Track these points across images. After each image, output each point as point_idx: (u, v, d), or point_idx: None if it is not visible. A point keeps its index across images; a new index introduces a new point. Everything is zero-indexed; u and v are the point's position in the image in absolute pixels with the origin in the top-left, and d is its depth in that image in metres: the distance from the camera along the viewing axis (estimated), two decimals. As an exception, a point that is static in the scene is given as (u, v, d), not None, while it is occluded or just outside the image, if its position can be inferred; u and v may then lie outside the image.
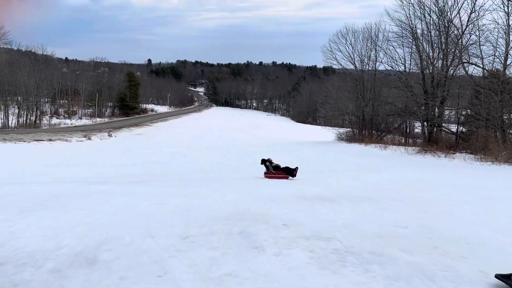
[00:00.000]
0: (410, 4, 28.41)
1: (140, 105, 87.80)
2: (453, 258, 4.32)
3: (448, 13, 26.79)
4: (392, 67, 31.89)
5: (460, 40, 26.08)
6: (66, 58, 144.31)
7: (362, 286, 3.55)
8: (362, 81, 35.28)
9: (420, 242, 4.84)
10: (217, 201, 7.04)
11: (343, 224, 5.54)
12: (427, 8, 27.68)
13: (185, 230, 4.90)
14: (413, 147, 25.34)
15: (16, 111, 51.26)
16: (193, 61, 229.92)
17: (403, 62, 30.87)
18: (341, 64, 37.04)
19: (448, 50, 26.94)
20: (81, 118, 63.27)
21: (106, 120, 65.14)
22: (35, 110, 52.86)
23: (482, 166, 16.88)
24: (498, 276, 3.62)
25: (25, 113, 51.54)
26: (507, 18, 22.62)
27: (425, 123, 28.33)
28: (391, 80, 33.76)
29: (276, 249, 4.33)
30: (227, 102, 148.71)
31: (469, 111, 26.35)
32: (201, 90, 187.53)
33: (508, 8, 22.56)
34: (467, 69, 26.00)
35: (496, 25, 23.19)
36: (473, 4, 25.02)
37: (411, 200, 8.02)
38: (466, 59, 25.59)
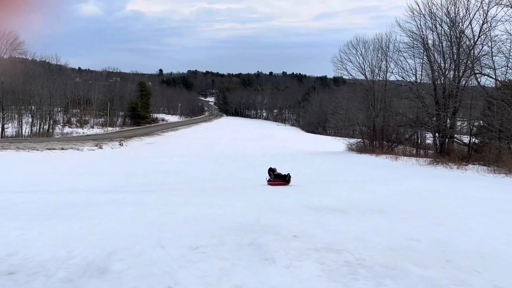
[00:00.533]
0: (421, 15, 28.34)
1: (151, 114, 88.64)
2: (467, 272, 4.24)
3: (460, 24, 26.66)
4: (403, 78, 31.72)
5: (472, 51, 25.89)
6: (79, 68, 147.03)
7: (374, 300, 3.50)
8: (372, 91, 35.13)
9: (433, 256, 4.76)
10: (227, 211, 7.02)
11: (354, 236, 5.47)
12: (438, 19, 27.59)
13: (195, 240, 4.90)
14: (425, 158, 25.06)
15: (30, 120, 52.04)
16: (204, 71, 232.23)
17: (414, 72, 30.70)
18: (351, 75, 36.93)
19: (460, 60, 26.74)
20: (92, 127, 63.98)
21: (117, 129, 65.75)
22: (48, 119, 53.64)
23: (496, 178, 16.60)
24: None
25: (38, 122, 52.30)
26: (519, 28, 22.42)
27: (437, 134, 28.05)
28: (402, 90, 33.56)
29: (286, 261, 4.30)
30: (237, 112, 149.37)
31: (481, 122, 26.04)
32: (211, 100, 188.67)
33: (521, 19, 22.38)
34: (479, 79, 25.75)
35: (509, 35, 23.00)
36: (485, 15, 24.86)
37: (424, 212, 7.90)
38: (478, 70, 25.37)
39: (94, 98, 70.76)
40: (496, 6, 23.87)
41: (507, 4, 23.01)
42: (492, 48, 24.06)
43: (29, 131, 50.52)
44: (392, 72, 33.97)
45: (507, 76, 23.83)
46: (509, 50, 23.21)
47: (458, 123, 29.02)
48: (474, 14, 25.87)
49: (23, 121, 51.47)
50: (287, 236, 5.27)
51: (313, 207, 7.87)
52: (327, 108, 62.56)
